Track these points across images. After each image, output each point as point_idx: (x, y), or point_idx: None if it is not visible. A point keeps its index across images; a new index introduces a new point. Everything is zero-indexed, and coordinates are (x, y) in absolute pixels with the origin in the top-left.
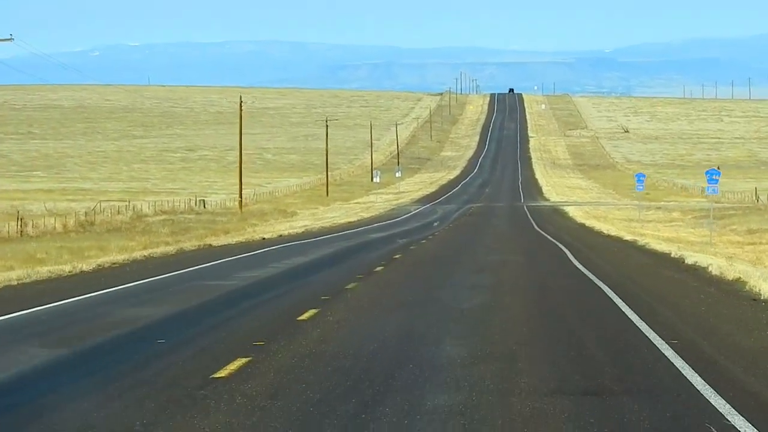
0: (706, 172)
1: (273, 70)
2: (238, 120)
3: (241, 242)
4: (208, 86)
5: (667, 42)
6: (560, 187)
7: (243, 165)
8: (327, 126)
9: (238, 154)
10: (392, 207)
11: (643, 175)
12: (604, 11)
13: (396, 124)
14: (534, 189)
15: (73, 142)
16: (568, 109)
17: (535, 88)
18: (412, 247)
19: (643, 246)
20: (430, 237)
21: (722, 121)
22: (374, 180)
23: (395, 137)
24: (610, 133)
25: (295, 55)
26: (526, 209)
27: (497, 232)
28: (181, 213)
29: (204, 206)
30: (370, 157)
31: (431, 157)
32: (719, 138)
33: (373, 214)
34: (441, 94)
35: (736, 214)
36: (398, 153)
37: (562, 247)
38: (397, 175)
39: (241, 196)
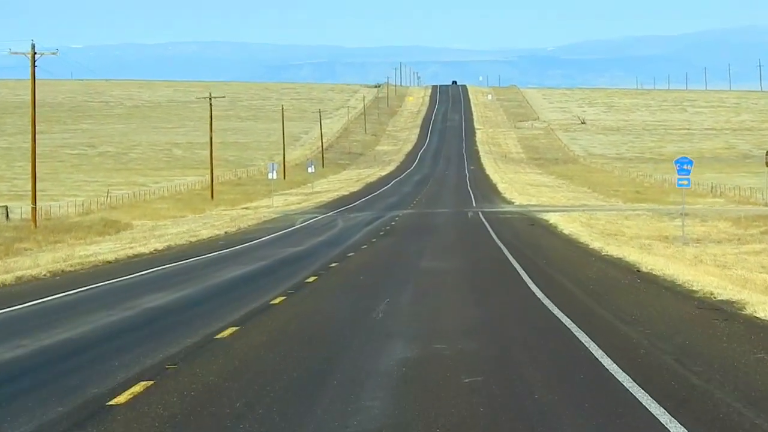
0: None
1: (215, 70)
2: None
3: None
4: (129, 80)
5: (609, 40)
6: (519, 184)
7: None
8: (211, 107)
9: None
10: (276, 215)
11: (690, 162)
12: (545, 9)
13: (320, 112)
14: (487, 187)
15: None
16: (517, 100)
17: (480, 78)
18: None
19: None
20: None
21: (686, 111)
22: (269, 176)
23: (324, 129)
24: (566, 124)
25: (237, 56)
26: (484, 221)
27: (426, 358)
28: None
29: (7, 217)
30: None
31: (364, 152)
32: (688, 129)
33: (220, 231)
34: (379, 85)
35: None
36: (322, 146)
37: None
38: (310, 170)
39: (34, 202)
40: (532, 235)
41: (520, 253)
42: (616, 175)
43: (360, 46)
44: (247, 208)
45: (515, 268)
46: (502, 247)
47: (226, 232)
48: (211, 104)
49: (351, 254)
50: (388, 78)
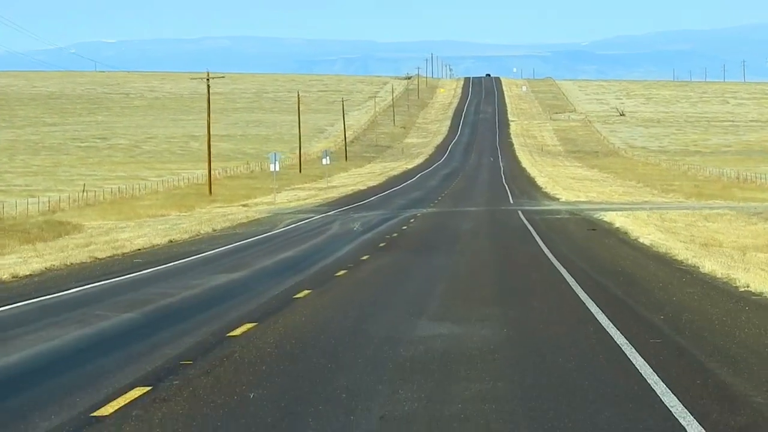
0: None
1: (246, 65)
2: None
3: None
4: (152, 72)
5: (642, 35)
6: (562, 178)
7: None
8: (209, 90)
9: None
10: (263, 216)
11: None
12: (579, 4)
13: (342, 102)
14: (525, 181)
15: None
16: (552, 92)
17: (515, 70)
18: None
19: None
20: None
21: (728, 103)
22: (272, 168)
23: (351, 122)
24: (604, 116)
25: (269, 51)
26: (526, 222)
27: None
28: None
29: None
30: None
31: (392, 145)
32: (732, 121)
33: (162, 240)
34: (409, 77)
35: None
36: (345, 139)
37: None
38: (324, 162)
39: None
40: (603, 249)
41: (601, 290)
42: (664, 168)
43: (393, 41)
44: (245, 205)
45: (623, 353)
46: (565, 275)
47: (170, 241)
48: (209, 87)
49: (302, 294)
50: (419, 69)
